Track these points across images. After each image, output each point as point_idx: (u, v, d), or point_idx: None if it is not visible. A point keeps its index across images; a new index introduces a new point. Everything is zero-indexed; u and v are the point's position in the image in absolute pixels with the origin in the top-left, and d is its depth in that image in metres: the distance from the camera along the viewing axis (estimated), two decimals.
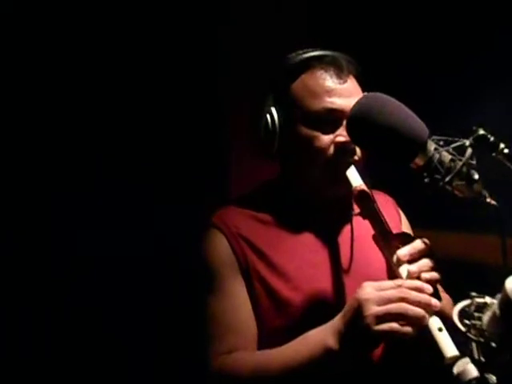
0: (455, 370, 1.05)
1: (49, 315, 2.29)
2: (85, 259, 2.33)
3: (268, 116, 1.44)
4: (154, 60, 2.46)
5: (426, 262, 1.19)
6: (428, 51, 2.37)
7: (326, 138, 1.38)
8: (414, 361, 1.42)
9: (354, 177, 1.37)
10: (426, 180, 1.09)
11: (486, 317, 1.05)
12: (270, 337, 1.38)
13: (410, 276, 1.17)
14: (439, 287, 1.23)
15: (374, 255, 1.37)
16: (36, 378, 2.26)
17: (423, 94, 1.30)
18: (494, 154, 1.02)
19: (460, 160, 1.03)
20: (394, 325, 1.10)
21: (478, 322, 1.06)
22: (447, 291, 1.45)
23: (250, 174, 2.44)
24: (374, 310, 1.12)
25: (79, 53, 2.36)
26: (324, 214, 1.48)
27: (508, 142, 1.04)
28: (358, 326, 1.14)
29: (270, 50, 2.14)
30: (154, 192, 2.46)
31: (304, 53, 1.44)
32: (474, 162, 1.03)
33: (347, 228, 1.50)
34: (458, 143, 1.05)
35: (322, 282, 1.40)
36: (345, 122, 1.32)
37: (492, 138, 1.03)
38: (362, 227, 1.44)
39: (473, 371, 1.03)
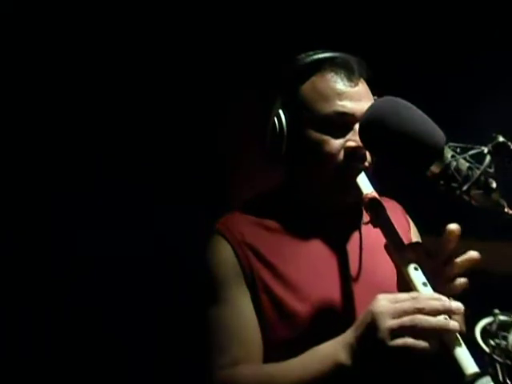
0: None
1: (49, 315, 2.29)
2: (85, 259, 2.33)
3: (275, 119, 1.40)
4: (155, 61, 2.45)
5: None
6: (433, 53, 2.37)
7: (336, 143, 1.33)
8: (427, 374, 1.35)
9: (364, 184, 1.32)
10: (441, 188, 1.05)
11: None
12: (275, 349, 1.32)
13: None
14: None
15: (383, 264, 1.33)
16: (36, 377, 2.25)
17: (428, 96, 1.26)
18: None
19: (478, 168, 1.00)
20: (410, 340, 1.03)
21: (502, 342, 1.01)
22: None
23: (249, 173, 2.47)
24: (388, 323, 1.05)
25: (79, 53, 2.35)
26: (332, 221, 1.42)
27: None
28: (371, 340, 1.07)
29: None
30: (154, 192, 2.45)
31: (314, 54, 1.39)
32: (491, 170, 0.99)
33: (356, 236, 1.45)
34: (475, 150, 1.01)
35: (331, 292, 1.35)
36: (356, 127, 1.29)
37: None
38: (370, 235, 1.41)
39: None
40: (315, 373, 1.16)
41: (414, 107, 1.12)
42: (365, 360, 1.10)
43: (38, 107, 2.31)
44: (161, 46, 2.46)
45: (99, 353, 2.34)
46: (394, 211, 1.46)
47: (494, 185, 1.00)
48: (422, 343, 1.03)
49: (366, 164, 1.34)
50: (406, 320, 1.04)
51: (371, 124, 1.15)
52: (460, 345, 1.03)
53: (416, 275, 1.13)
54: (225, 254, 1.37)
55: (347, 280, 1.37)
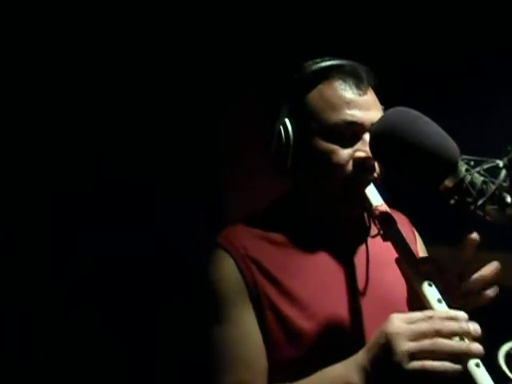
0: None
1: (49, 315, 2.28)
2: (85, 259, 2.32)
3: (282, 128, 1.34)
4: (155, 62, 2.44)
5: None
6: (438, 59, 2.38)
7: (344, 153, 1.28)
8: None
9: (373, 195, 1.28)
10: (454, 202, 1.02)
11: None
12: (281, 369, 1.26)
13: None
14: None
15: (390, 277, 1.32)
16: (36, 377, 2.25)
17: (432, 105, 1.24)
18: None
19: (493, 182, 0.97)
20: (429, 362, 0.98)
21: None
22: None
23: (249, 174, 2.47)
24: (405, 345, 1.00)
25: (79, 53, 2.34)
26: (339, 234, 1.38)
27: None
28: (386, 362, 1.02)
29: None
30: (154, 192, 2.45)
31: (321, 61, 1.34)
32: (506, 185, 0.96)
33: (362, 248, 1.40)
34: (490, 164, 0.98)
35: (338, 308, 1.29)
36: (365, 136, 1.27)
37: None
38: (376, 247, 1.37)
39: None
40: None
41: (427, 118, 1.08)
42: (379, 382, 1.07)
43: (37, 107, 2.30)
44: (160, 46, 2.46)
45: (99, 353, 2.34)
46: (401, 223, 1.38)
47: (509, 199, 0.96)
48: (441, 366, 0.98)
49: (375, 175, 1.29)
50: (426, 344, 1.00)
51: (383, 135, 1.10)
52: (478, 365, 0.99)
53: (430, 292, 1.09)
54: (228, 269, 1.31)
55: (355, 295, 1.32)
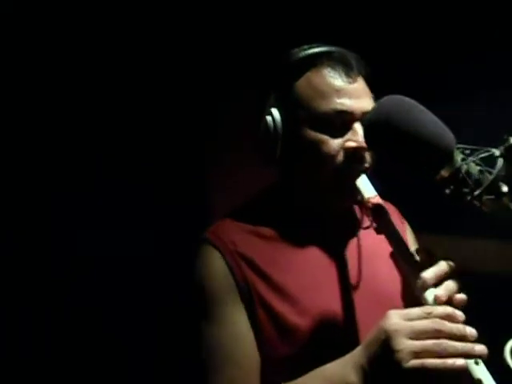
0: None
1: (49, 315, 2.27)
2: (85, 259, 2.32)
3: (269, 118, 1.29)
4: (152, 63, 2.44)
5: (451, 285, 1.07)
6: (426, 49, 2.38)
7: (335, 143, 1.24)
8: None
9: (365, 187, 1.25)
10: (447, 192, 1.00)
11: None
12: (275, 366, 1.23)
13: (438, 301, 1.04)
14: None
15: (382, 269, 1.30)
16: (36, 377, 2.24)
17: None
18: None
19: (489, 172, 0.95)
20: (429, 360, 0.97)
21: None
22: None
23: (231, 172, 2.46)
24: (406, 344, 0.99)
25: (79, 53, 2.34)
26: (329, 227, 1.35)
27: None
28: (386, 360, 1.01)
29: None
30: (154, 192, 2.45)
31: (309, 48, 1.30)
32: (503, 174, 0.94)
33: (354, 241, 1.37)
34: (486, 153, 0.96)
35: (331, 303, 1.27)
36: (355, 126, 1.23)
37: None
38: (368, 240, 1.35)
39: None
40: None
41: (423, 107, 1.05)
42: (377, 381, 1.05)
43: (37, 107, 2.29)
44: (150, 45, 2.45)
45: (99, 353, 2.33)
46: (392, 214, 1.33)
47: (505, 189, 0.94)
48: (442, 364, 0.97)
49: (366, 165, 1.26)
50: (429, 344, 0.99)
51: (378, 123, 1.06)
52: (478, 363, 0.99)
53: None
54: (216, 266, 1.27)
55: (347, 289, 1.29)
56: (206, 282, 1.27)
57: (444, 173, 1.01)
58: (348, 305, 1.27)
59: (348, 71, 1.26)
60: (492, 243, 2.32)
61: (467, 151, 1.00)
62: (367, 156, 1.26)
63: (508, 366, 1.00)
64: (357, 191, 1.25)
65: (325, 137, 1.25)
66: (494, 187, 0.95)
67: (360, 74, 1.29)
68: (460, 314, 1.03)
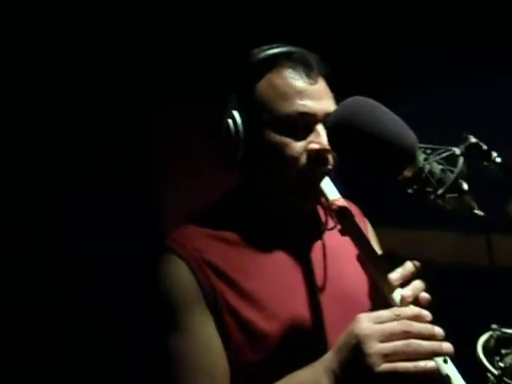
0: None
1: (49, 315, 2.29)
2: (85, 259, 2.33)
3: (230, 121, 1.27)
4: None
5: (418, 285, 1.06)
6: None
7: (297, 146, 1.22)
8: None
9: (329, 189, 1.23)
10: (410, 191, 1.00)
11: None
12: (245, 373, 1.21)
13: (404, 301, 1.04)
14: None
15: (349, 271, 1.29)
16: (36, 377, 2.25)
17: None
18: (486, 163, 0.95)
19: (451, 171, 0.95)
20: (401, 364, 0.98)
21: (508, 361, 0.97)
22: None
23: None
24: (377, 347, 0.99)
25: (78, 54, 2.35)
26: (293, 230, 1.33)
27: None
28: (358, 364, 1.00)
29: None
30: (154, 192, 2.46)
31: (269, 49, 1.27)
32: (465, 172, 0.95)
33: (318, 244, 1.35)
34: (448, 152, 0.96)
35: (299, 306, 1.25)
36: (317, 127, 1.22)
37: (485, 147, 0.95)
38: (333, 241, 1.33)
39: None
40: None
41: (385, 108, 1.04)
42: None
43: (38, 107, 2.31)
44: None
45: (99, 353, 2.34)
46: (355, 215, 1.31)
47: (466, 186, 0.95)
48: (413, 367, 0.98)
49: (329, 167, 1.24)
50: (399, 345, 0.99)
51: (342, 125, 1.05)
52: (446, 361, 1.00)
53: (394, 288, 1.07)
54: (182, 275, 1.22)
55: (314, 292, 1.28)
56: (172, 292, 1.22)
57: (407, 173, 1.00)
58: (315, 308, 1.25)
59: (309, 72, 1.24)
60: (451, 236, 2.33)
61: (428, 151, 1.00)
62: (330, 158, 1.24)
63: (481, 361, 1.00)
64: (321, 193, 1.24)
65: (287, 139, 1.22)
66: (455, 186, 0.95)
67: (320, 74, 1.27)
68: (427, 314, 1.03)
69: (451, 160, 0.96)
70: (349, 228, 1.20)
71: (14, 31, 2.24)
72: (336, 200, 1.22)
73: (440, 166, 0.98)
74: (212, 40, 2.47)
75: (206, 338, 1.20)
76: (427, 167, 0.98)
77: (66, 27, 2.32)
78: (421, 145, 1.01)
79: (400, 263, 1.08)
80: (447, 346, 1.00)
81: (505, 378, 0.95)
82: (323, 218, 1.38)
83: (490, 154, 0.96)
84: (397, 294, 1.06)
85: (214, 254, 1.24)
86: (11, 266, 2.24)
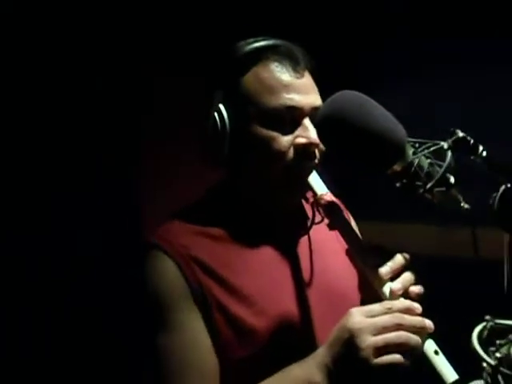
0: None
1: (49, 315, 2.29)
2: (85, 259, 2.33)
3: (216, 114, 1.24)
4: None
5: (408, 277, 1.07)
6: None
7: (284, 140, 1.20)
8: None
9: (317, 183, 1.23)
10: (398, 185, 1.01)
11: None
12: (234, 369, 1.20)
13: (393, 294, 1.06)
14: None
15: (336, 265, 1.30)
16: (36, 377, 2.25)
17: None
18: (472, 157, 0.96)
19: (439, 165, 0.96)
20: (397, 356, 1.00)
21: (504, 351, 0.97)
22: None
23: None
24: (371, 340, 1.00)
25: (78, 54, 2.36)
26: (280, 224, 1.31)
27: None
28: (351, 358, 1.01)
29: None
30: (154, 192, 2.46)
31: (254, 42, 1.25)
32: (452, 166, 0.96)
33: (305, 238, 1.34)
34: (435, 146, 0.97)
35: (287, 301, 1.24)
36: (304, 122, 1.20)
37: (472, 141, 0.95)
38: (317, 234, 1.33)
39: None
40: None
41: (375, 102, 1.04)
42: (343, 379, 1.05)
43: (38, 107, 2.31)
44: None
45: (99, 353, 2.34)
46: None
47: (453, 180, 0.96)
48: (405, 359, 1.00)
49: (316, 161, 1.23)
50: (391, 337, 1.00)
51: (333, 120, 1.05)
52: (437, 353, 1.01)
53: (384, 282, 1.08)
54: (169, 272, 1.19)
55: (301, 287, 1.27)
56: (159, 290, 1.20)
57: (397, 167, 1.01)
58: (303, 302, 1.25)
59: (295, 66, 1.22)
60: (431, 228, 2.36)
61: (416, 145, 1.00)
62: (317, 152, 1.23)
63: (476, 352, 1.00)
64: (309, 188, 1.24)
65: (275, 134, 1.20)
66: (443, 179, 0.96)
67: (306, 68, 1.25)
68: (417, 307, 1.04)
69: (438, 154, 0.96)
70: (337, 223, 1.20)
71: (14, 31, 2.25)
72: (324, 194, 1.22)
73: (428, 160, 0.99)
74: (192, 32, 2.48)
75: (195, 336, 1.19)
76: (416, 161, 0.98)
77: (65, 27, 2.33)
78: (409, 139, 1.01)
79: (388, 257, 1.09)
80: (428, 343, 1.03)
81: (501, 368, 0.95)
82: (309, 213, 1.36)
83: (477, 148, 0.96)
84: (387, 288, 1.07)
85: (201, 251, 1.22)
86: (11, 266, 2.24)
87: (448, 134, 0.96)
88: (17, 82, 2.26)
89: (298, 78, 1.22)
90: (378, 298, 1.08)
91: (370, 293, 1.11)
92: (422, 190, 0.98)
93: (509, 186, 0.95)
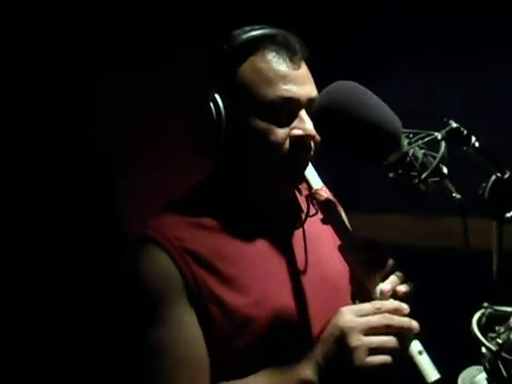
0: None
1: (49, 315, 2.29)
2: (85, 259, 2.34)
3: (212, 104, 1.21)
4: None
5: (396, 278, 1.10)
6: None
7: (281, 132, 1.18)
8: None
9: (313, 177, 1.24)
10: (391, 175, 1.02)
11: None
12: (229, 360, 1.19)
13: (383, 295, 1.08)
14: None
15: (326, 255, 1.31)
16: (36, 377, 2.26)
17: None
18: (465, 148, 0.96)
19: (432, 156, 0.97)
20: (387, 357, 1.02)
21: (504, 337, 0.97)
22: None
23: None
24: (363, 340, 1.02)
25: (77, 54, 2.37)
26: (274, 216, 1.31)
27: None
28: (342, 356, 1.03)
29: None
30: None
31: (251, 30, 1.22)
32: (446, 157, 0.97)
33: (299, 229, 1.34)
34: (430, 137, 0.97)
35: (282, 292, 1.24)
36: (301, 113, 1.19)
37: (465, 132, 0.96)
38: (311, 226, 1.33)
39: None
40: None
41: (371, 92, 1.05)
42: (333, 376, 1.07)
43: (38, 107, 2.32)
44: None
45: (99, 353, 2.34)
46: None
47: (446, 170, 0.97)
48: (392, 359, 1.03)
49: (311, 153, 1.22)
50: (385, 340, 1.03)
51: (330, 111, 1.05)
52: (421, 353, 1.04)
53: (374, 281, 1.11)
54: (161, 265, 1.17)
55: (296, 277, 1.26)
56: (152, 283, 1.18)
57: (392, 158, 1.01)
58: (298, 293, 1.25)
59: (292, 56, 1.20)
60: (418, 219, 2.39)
61: (411, 135, 1.01)
62: (312, 144, 1.21)
63: (477, 338, 1.00)
64: (304, 181, 1.24)
65: (271, 126, 1.19)
66: (437, 170, 0.97)
67: (303, 59, 1.23)
68: (406, 307, 1.07)
69: (431, 144, 0.98)
70: (331, 218, 1.22)
71: (13, 31, 2.26)
72: (319, 189, 1.22)
73: (422, 151, 1.00)
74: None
75: (189, 330, 1.17)
76: (411, 152, 1.00)
77: (65, 27, 2.34)
78: (404, 130, 1.02)
79: (380, 252, 1.12)
80: (414, 343, 1.06)
81: (503, 354, 0.96)
82: (303, 205, 1.36)
83: (470, 139, 0.97)
84: (377, 287, 1.10)
85: (196, 242, 1.20)
86: (11, 266, 2.24)
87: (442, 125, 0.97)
88: (17, 82, 2.26)
89: (295, 68, 1.20)
90: (366, 291, 1.11)
91: (360, 287, 1.13)
92: (416, 181, 0.99)
93: (499, 175, 0.97)
